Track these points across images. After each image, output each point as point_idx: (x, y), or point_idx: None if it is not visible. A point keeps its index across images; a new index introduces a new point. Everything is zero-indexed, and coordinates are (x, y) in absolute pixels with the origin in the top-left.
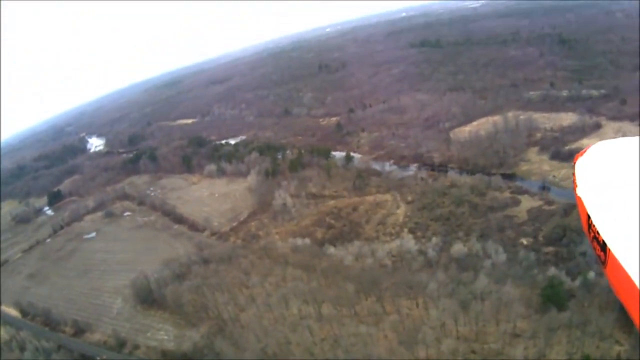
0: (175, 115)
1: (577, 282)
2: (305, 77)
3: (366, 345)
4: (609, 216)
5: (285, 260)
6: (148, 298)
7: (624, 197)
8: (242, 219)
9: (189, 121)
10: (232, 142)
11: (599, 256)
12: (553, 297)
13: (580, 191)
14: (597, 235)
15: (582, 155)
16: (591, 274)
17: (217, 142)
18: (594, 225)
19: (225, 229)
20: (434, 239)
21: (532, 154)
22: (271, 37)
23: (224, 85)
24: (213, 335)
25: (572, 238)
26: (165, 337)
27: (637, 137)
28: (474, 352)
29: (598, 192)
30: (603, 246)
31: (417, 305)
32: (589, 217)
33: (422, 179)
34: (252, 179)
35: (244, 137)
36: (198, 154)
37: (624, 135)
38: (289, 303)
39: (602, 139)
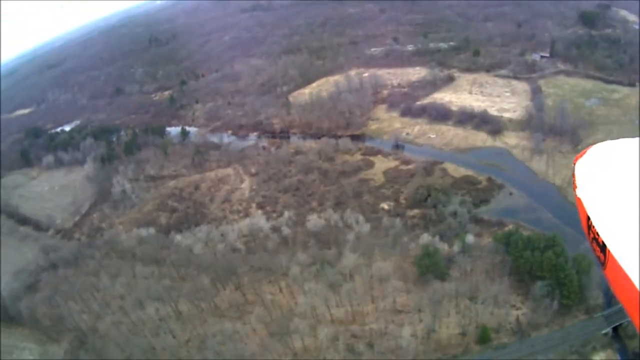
0: (13, 106)
1: (455, 248)
2: (136, 52)
3: (235, 342)
4: (609, 217)
5: (132, 254)
6: (5, 315)
7: (624, 199)
8: (83, 211)
9: (26, 111)
10: (67, 128)
11: (598, 257)
12: (431, 267)
13: (580, 192)
14: (596, 237)
15: (582, 156)
16: (469, 238)
17: (53, 131)
18: (593, 227)
19: (69, 224)
20: (286, 213)
21: (381, 112)
22: (102, 14)
23: (58, 70)
24: (76, 349)
25: (438, 198)
26: (31, 357)
27: (637, 138)
28: (355, 336)
29: (598, 193)
30: (603, 247)
31: (281, 291)
32: (588, 218)
33: (263, 148)
34: (89, 167)
35: (78, 122)
36: (35, 146)
37: (480, 86)
38: (144, 304)
39: (456, 91)
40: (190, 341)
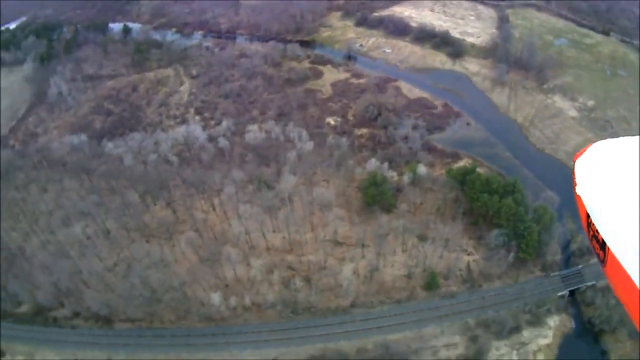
0: None
1: (405, 178)
2: None
3: (164, 268)
4: (609, 215)
5: (63, 164)
6: None
7: (623, 197)
8: (20, 115)
9: None
10: (13, 26)
11: (598, 255)
12: (378, 198)
13: (579, 190)
14: (596, 234)
15: (581, 154)
16: (421, 168)
17: None
18: (593, 224)
19: (5, 131)
20: (225, 122)
21: (335, 19)
22: None
23: None
24: (5, 272)
25: (390, 119)
26: None
27: (637, 137)
28: (291, 267)
29: (598, 191)
30: (602, 245)
31: (214, 209)
32: (588, 216)
33: (207, 48)
34: (28, 67)
35: (24, 19)
36: None
37: (444, 5)
38: (71, 222)
39: (417, 7)
40: (117, 265)
